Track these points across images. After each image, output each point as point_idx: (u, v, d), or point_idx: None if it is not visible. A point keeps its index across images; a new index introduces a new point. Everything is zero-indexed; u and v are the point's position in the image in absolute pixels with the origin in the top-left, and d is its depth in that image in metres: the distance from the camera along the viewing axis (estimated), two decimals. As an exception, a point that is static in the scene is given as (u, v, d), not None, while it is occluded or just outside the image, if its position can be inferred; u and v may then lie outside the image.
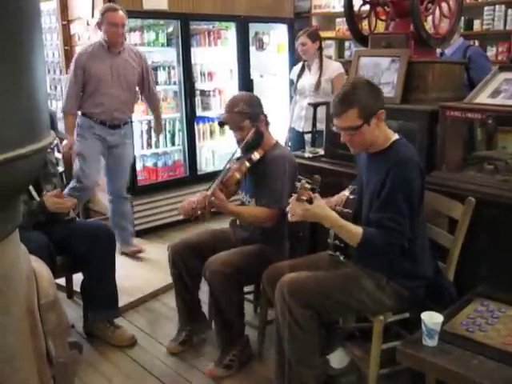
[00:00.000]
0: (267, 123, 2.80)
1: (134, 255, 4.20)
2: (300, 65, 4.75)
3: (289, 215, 2.14)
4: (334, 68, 4.54)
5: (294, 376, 2.25)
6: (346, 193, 2.40)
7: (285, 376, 2.29)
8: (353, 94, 2.11)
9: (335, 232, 2.23)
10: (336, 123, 2.19)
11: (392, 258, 2.18)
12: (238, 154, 2.87)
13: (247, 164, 2.68)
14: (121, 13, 3.74)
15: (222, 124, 2.79)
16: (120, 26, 3.72)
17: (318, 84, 4.46)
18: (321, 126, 3.47)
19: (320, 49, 4.55)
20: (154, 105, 4.27)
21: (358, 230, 2.10)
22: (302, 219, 2.13)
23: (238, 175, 2.66)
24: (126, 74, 3.88)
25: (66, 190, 3.77)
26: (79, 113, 3.93)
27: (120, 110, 3.93)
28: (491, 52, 5.23)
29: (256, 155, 2.70)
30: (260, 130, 2.73)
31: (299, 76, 4.67)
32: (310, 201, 2.09)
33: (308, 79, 4.58)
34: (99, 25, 3.77)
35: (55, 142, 3.83)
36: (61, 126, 4.30)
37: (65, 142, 3.96)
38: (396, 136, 2.23)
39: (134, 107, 4.13)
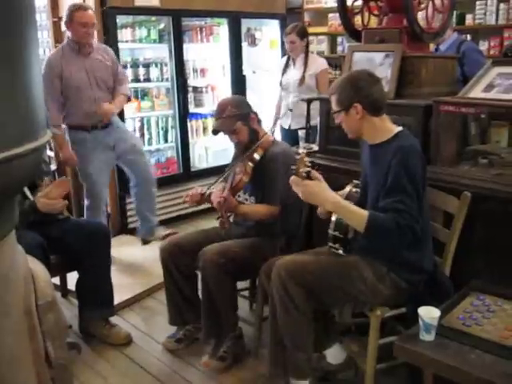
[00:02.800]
0: (259, 121, 2.81)
1: (163, 238, 3.97)
2: (285, 59, 4.73)
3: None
4: (318, 64, 4.54)
5: (290, 361, 2.25)
6: (349, 187, 2.39)
7: (278, 362, 2.29)
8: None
9: (339, 215, 2.19)
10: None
11: (396, 246, 2.14)
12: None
13: (251, 165, 2.69)
14: (90, 12, 3.59)
15: (215, 132, 2.78)
16: (90, 26, 3.56)
17: (302, 79, 4.46)
18: (313, 121, 3.47)
19: (307, 45, 4.55)
20: (120, 91, 3.92)
21: (364, 212, 2.08)
22: (302, 197, 2.12)
23: (245, 179, 2.68)
24: (101, 74, 3.74)
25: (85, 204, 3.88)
26: (66, 127, 3.76)
27: None
28: (483, 47, 5.23)
29: (257, 155, 2.72)
30: (253, 128, 2.75)
31: (284, 71, 4.66)
32: (309, 175, 2.06)
33: (292, 74, 4.57)
34: (67, 25, 3.59)
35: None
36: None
37: (62, 155, 3.73)
38: (399, 128, 2.25)
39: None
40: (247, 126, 2.73)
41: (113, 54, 3.92)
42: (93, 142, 3.77)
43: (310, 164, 2.07)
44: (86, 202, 3.92)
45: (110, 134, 3.85)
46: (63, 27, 4.67)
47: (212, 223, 3.20)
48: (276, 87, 5.67)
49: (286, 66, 4.66)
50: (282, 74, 4.67)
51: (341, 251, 2.28)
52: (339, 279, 2.21)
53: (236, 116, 2.70)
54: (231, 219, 2.95)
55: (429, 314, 1.78)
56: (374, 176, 2.23)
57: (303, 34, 4.49)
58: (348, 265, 2.25)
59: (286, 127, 4.62)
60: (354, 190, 2.37)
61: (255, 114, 2.80)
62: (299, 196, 2.14)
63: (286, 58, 4.72)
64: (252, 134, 2.74)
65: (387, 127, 2.25)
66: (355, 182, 2.43)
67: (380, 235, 2.09)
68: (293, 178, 2.11)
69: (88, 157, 3.78)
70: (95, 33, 3.76)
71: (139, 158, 4.03)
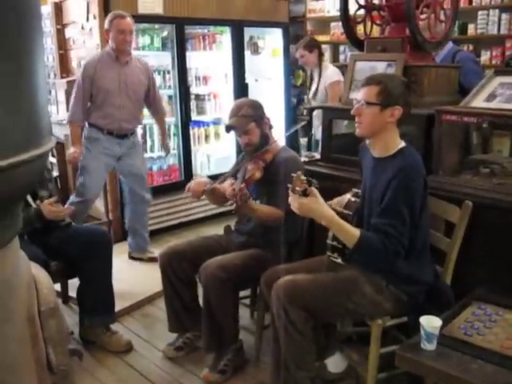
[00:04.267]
0: (271, 126, 2.83)
1: (149, 260, 4.13)
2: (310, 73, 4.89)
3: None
4: (328, 76, 4.59)
5: (291, 379, 2.23)
6: (348, 195, 2.39)
7: (281, 379, 2.28)
8: (383, 76, 2.26)
9: (332, 231, 2.20)
10: (357, 95, 2.27)
11: (381, 265, 2.17)
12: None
13: (263, 164, 2.71)
14: (128, 19, 3.73)
15: (228, 129, 2.80)
16: (128, 33, 3.69)
17: (316, 91, 4.58)
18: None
19: (319, 56, 4.61)
20: (159, 118, 4.26)
21: (356, 231, 2.09)
22: (299, 213, 2.12)
23: (258, 174, 2.68)
24: (133, 85, 3.84)
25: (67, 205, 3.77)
26: (86, 123, 3.88)
27: (128, 121, 3.88)
28: (485, 56, 5.25)
29: (267, 158, 2.75)
30: (265, 132, 2.78)
31: (310, 84, 4.81)
32: (305, 193, 2.06)
33: (313, 87, 4.70)
34: (107, 32, 3.74)
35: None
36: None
37: (71, 150, 3.86)
38: (403, 144, 2.24)
39: (141, 117, 4.10)
40: (260, 128, 2.76)
41: (151, 71, 4.04)
42: (102, 143, 3.84)
43: (306, 182, 2.07)
44: (71, 198, 3.90)
45: (121, 145, 3.91)
46: (67, 34, 4.73)
47: (213, 231, 3.22)
48: (278, 95, 5.75)
49: (311, 78, 4.79)
50: (309, 88, 4.80)
51: (339, 260, 2.28)
52: (339, 297, 2.20)
53: (251, 117, 2.73)
54: (233, 227, 2.97)
55: (430, 323, 1.78)
56: (373, 190, 2.23)
57: (311, 47, 4.56)
58: (347, 281, 2.24)
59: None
60: (352, 199, 2.37)
61: (268, 119, 2.83)
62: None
63: (310, 75, 4.89)
64: (263, 138, 2.77)
65: (395, 140, 2.23)
66: (355, 190, 2.42)
67: (367, 254, 2.13)
68: (291, 194, 2.10)
69: (90, 153, 3.85)
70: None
71: (139, 186, 4.10)
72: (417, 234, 2.15)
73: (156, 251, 4.17)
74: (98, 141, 3.84)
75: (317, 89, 4.55)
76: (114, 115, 3.80)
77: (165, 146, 4.38)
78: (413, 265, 2.20)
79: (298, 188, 2.06)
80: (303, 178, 2.07)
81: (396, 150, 2.21)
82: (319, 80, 4.56)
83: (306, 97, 4.97)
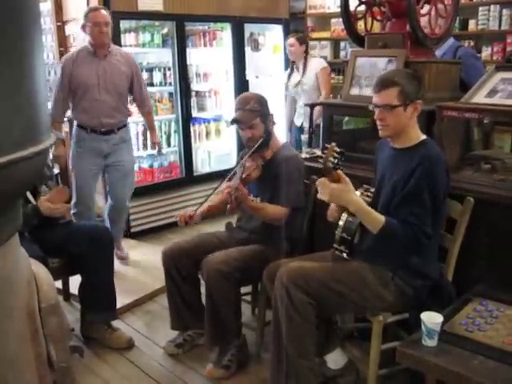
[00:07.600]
0: (273, 123, 2.84)
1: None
2: (290, 67, 5.21)
3: (319, 193, 2.20)
4: (316, 63, 4.99)
5: (292, 367, 2.23)
6: (359, 192, 2.37)
7: (281, 370, 2.28)
8: (397, 76, 2.25)
9: (359, 217, 2.21)
10: (375, 100, 2.26)
11: (401, 253, 2.18)
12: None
13: (262, 162, 2.70)
14: (103, 11, 3.66)
15: (234, 122, 2.79)
16: (103, 25, 3.61)
17: (299, 82, 4.94)
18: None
19: (306, 52, 5.00)
20: (145, 111, 4.13)
21: (382, 217, 2.14)
22: (328, 199, 2.18)
23: (256, 172, 2.69)
24: (113, 79, 3.76)
25: (71, 212, 3.75)
26: (74, 123, 3.83)
27: (109, 116, 3.78)
28: (486, 52, 5.24)
29: (267, 155, 2.75)
30: (269, 129, 2.78)
31: (289, 76, 5.12)
32: (336, 167, 2.12)
33: (295, 78, 5.02)
34: (84, 27, 3.67)
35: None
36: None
37: (53, 150, 3.76)
38: (424, 136, 2.26)
39: (127, 110, 3.99)
40: (264, 124, 2.76)
41: (133, 61, 3.92)
42: (87, 143, 3.78)
43: (338, 155, 2.11)
44: (72, 210, 3.80)
45: (108, 142, 3.82)
46: (67, 31, 4.73)
47: (215, 228, 3.21)
48: (279, 92, 5.74)
49: (292, 71, 5.11)
50: (288, 79, 5.14)
51: (345, 254, 2.27)
52: (343, 286, 2.20)
53: (257, 112, 2.72)
54: (235, 224, 2.97)
55: (431, 319, 1.78)
56: (392, 179, 2.23)
57: (302, 40, 4.95)
58: (352, 271, 2.25)
59: (299, 125, 5.15)
60: (365, 193, 2.37)
61: (272, 115, 2.83)
62: (319, 197, 2.20)
63: (291, 65, 5.19)
64: (266, 134, 2.76)
65: (417, 132, 2.26)
66: (366, 186, 2.42)
67: (390, 240, 2.15)
68: (322, 179, 2.17)
69: (78, 155, 3.80)
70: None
71: (123, 184, 3.99)
72: (434, 225, 2.16)
73: (157, 248, 4.18)
74: (83, 141, 3.77)
75: (301, 78, 4.92)
76: (93, 110, 3.71)
77: (156, 144, 4.28)
78: (424, 258, 2.21)
79: (331, 159, 2.10)
80: (337, 149, 2.11)
81: (418, 140, 2.23)
82: (304, 70, 4.92)
83: (286, 88, 5.25)
